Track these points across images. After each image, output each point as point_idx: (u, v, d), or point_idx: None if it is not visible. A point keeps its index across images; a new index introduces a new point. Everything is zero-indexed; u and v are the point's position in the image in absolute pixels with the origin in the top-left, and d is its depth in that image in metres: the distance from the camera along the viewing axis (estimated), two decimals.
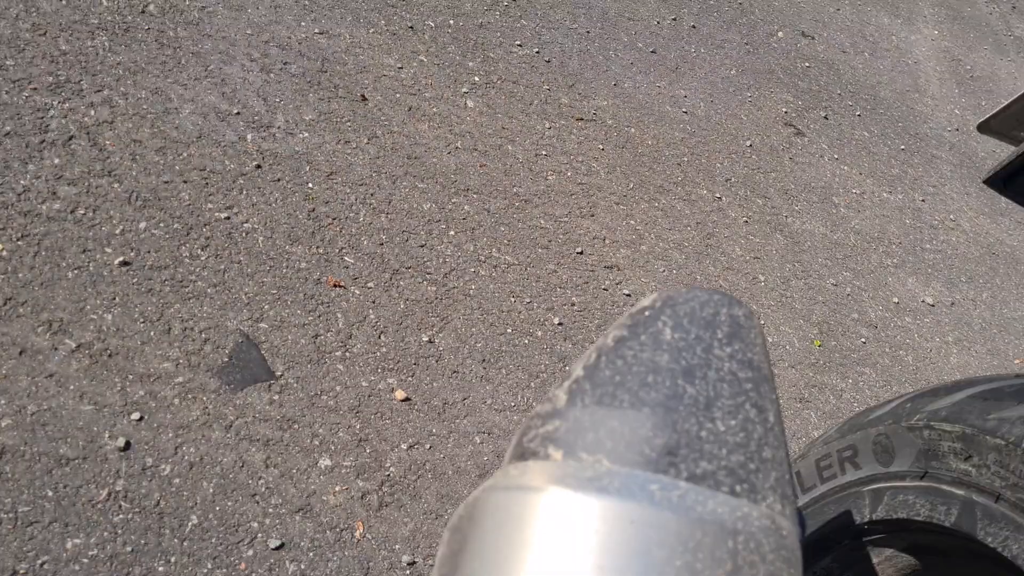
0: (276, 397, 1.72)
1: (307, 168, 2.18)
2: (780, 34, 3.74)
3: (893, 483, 0.99)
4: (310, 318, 1.88)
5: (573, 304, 2.20)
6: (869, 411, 1.09)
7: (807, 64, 3.62)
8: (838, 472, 1.08)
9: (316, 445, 1.68)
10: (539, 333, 2.09)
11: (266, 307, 1.85)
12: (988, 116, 1.13)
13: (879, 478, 1.01)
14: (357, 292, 1.98)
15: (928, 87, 3.85)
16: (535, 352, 2.04)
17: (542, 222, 2.38)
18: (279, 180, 2.11)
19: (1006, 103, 1.11)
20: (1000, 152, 3.54)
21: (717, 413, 0.73)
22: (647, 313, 0.83)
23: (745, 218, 2.74)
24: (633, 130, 2.86)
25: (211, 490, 1.56)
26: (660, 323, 0.81)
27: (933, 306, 2.75)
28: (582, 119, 2.79)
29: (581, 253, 2.35)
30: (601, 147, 2.72)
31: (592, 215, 2.47)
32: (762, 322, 2.38)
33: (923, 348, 2.57)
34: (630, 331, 0.81)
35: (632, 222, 2.53)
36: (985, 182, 1.12)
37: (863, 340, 2.50)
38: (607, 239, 2.43)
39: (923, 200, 3.20)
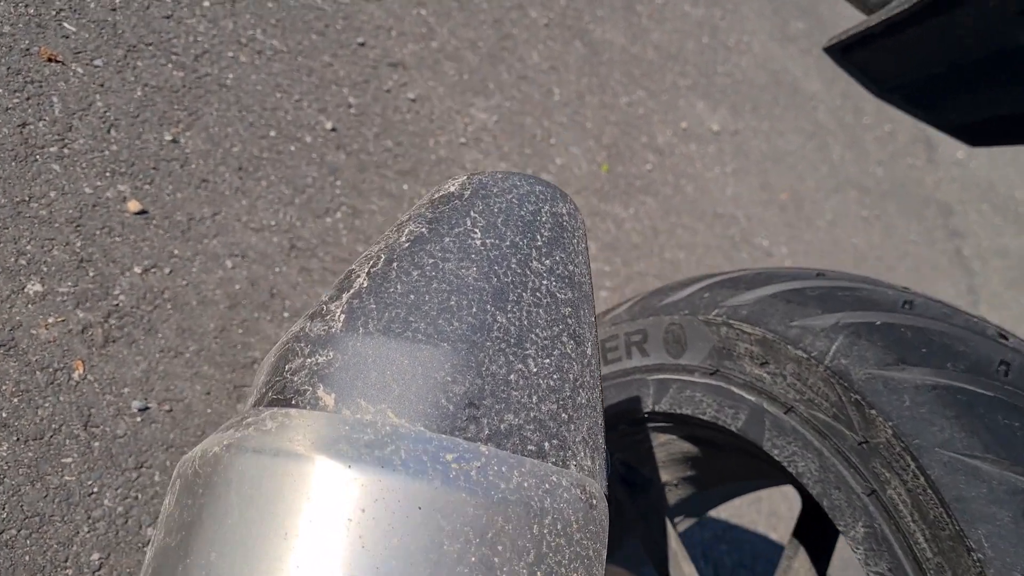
0: None
1: None
2: None
3: (681, 376, 0.90)
4: (15, 100, 1.49)
5: (350, 106, 1.93)
6: (662, 294, 0.98)
7: None
8: (623, 356, 0.99)
9: (23, 265, 1.37)
10: (308, 139, 1.81)
11: None
12: None
13: (667, 368, 0.92)
14: (80, 71, 1.59)
15: None
16: (302, 162, 1.77)
17: (319, 1, 2.03)
18: None
19: None
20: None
21: (530, 349, 0.57)
22: (454, 204, 0.63)
23: (546, 20, 2.51)
24: None
25: None
26: (469, 221, 0.61)
27: (718, 134, 2.72)
28: None
29: (363, 44, 2.04)
30: None
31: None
32: (559, 161, 2.23)
33: (704, 178, 2.56)
34: (431, 229, 0.61)
35: (423, 12, 2.23)
36: (825, 49, 0.99)
37: (649, 167, 2.44)
38: (393, 30, 2.13)
39: (722, 18, 3.11)
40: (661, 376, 0.92)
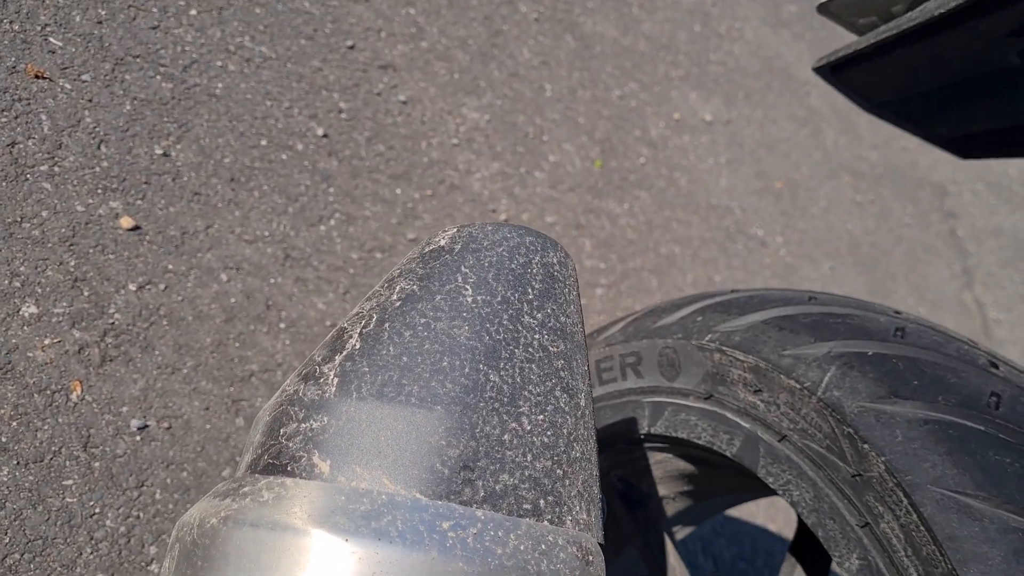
0: None
1: None
2: None
3: (676, 399, 0.91)
4: (3, 119, 1.48)
5: (340, 111, 1.92)
6: (656, 315, 0.98)
7: None
8: (618, 377, 0.99)
9: (17, 287, 1.37)
10: (299, 147, 1.81)
11: None
12: None
13: (662, 391, 0.93)
14: (68, 86, 1.58)
15: None
16: (294, 170, 1.77)
17: (306, 4, 2.02)
18: None
19: None
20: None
21: (523, 406, 0.57)
22: (444, 259, 0.63)
23: (536, 15, 2.49)
24: None
25: None
26: (460, 277, 0.61)
27: (711, 124, 2.72)
28: None
29: (352, 48, 2.03)
30: None
31: None
32: (552, 159, 2.23)
33: (697, 170, 2.55)
34: (422, 287, 0.61)
35: (412, 11, 2.21)
36: (815, 69, 1.00)
37: (642, 160, 2.43)
38: (383, 31, 2.12)
39: (714, 5, 3.09)
40: (656, 399, 0.93)
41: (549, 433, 0.57)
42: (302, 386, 0.57)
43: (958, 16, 0.80)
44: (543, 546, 0.53)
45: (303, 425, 0.55)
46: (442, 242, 0.63)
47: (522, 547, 0.51)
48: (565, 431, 0.58)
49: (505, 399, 0.56)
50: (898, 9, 0.89)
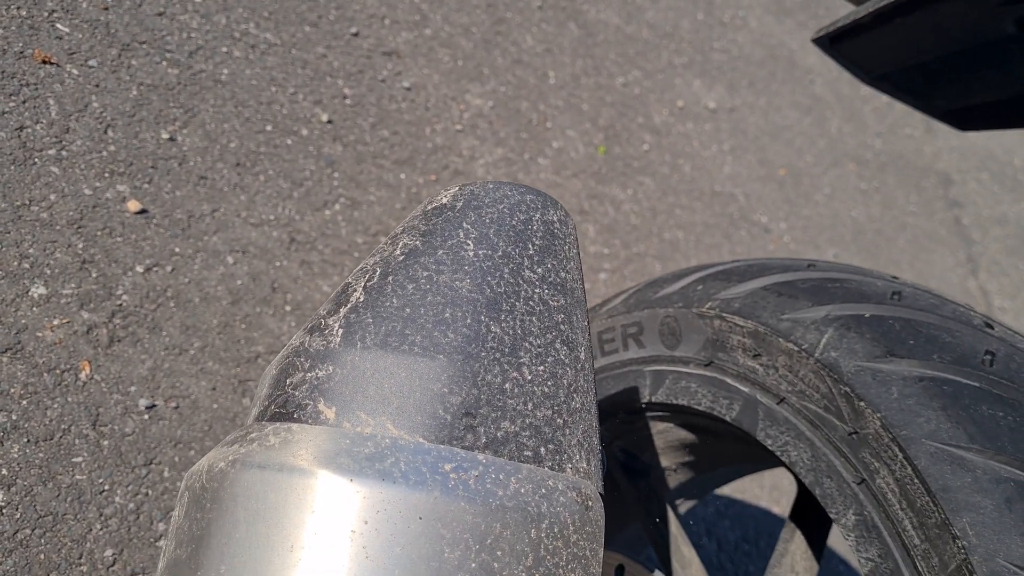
0: None
1: None
2: None
3: (676, 367, 0.92)
4: (12, 104, 1.50)
5: (345, 97, 1.93)
6: (657, 286, 0.99)
7: None
8: (620, 348, 1.00)
9: (26, 269, 1.38)
10: (304, 132, 1.82)
11: None
12: None
13: (663, 360, 0.94)
14: (75, 72, 1.59)
15: None
16: (299, 155, 1.78)
17: None
18: None
19: None
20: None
21: (524, 357, 0.58)
22: (446, 216, 0.64)
23: (539, 2, 2.50)
24: None
25: None
26: (461, 232, 0.62)
27: (714, 111, 2.72)
28: None
29: (356, 35, 2.04)
30: None
31: None
32: (556, 145, 2.24)
33: (701, 156, 2.56)
34: (425, 241, 0.62)
35: None
36: (813, 40, 1.00)
37: (646, 147, 2.44)
38: (387, 18, 2.13)
39: None
40: (657, 367, 0.94)
41: (549, 383, 0.58)
42: (307, 338, 0.58)
43: None
44: (543, 490, 0.54)
45: (309, 374, 0.56)
46: (444, 200, 0.64)
47: (523, 490, 0.52)
48: (565, 382, 0.59)
49: (506, 349, 0.57)
50: None
